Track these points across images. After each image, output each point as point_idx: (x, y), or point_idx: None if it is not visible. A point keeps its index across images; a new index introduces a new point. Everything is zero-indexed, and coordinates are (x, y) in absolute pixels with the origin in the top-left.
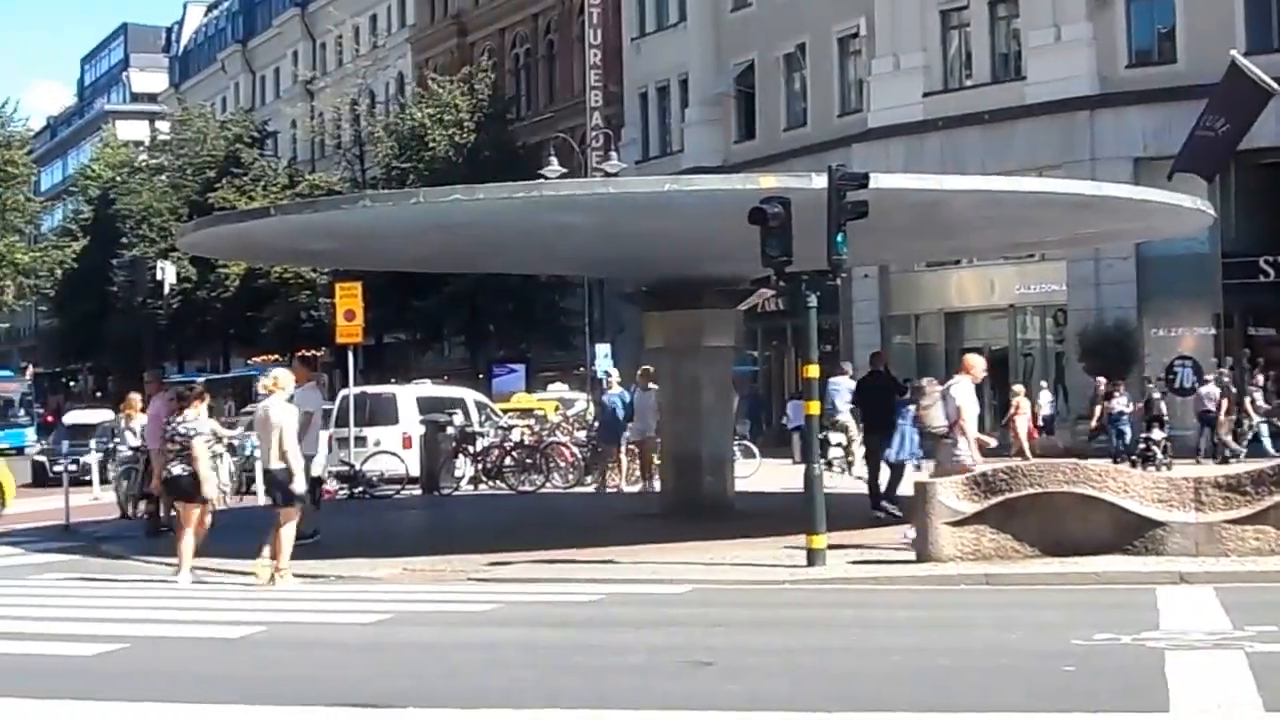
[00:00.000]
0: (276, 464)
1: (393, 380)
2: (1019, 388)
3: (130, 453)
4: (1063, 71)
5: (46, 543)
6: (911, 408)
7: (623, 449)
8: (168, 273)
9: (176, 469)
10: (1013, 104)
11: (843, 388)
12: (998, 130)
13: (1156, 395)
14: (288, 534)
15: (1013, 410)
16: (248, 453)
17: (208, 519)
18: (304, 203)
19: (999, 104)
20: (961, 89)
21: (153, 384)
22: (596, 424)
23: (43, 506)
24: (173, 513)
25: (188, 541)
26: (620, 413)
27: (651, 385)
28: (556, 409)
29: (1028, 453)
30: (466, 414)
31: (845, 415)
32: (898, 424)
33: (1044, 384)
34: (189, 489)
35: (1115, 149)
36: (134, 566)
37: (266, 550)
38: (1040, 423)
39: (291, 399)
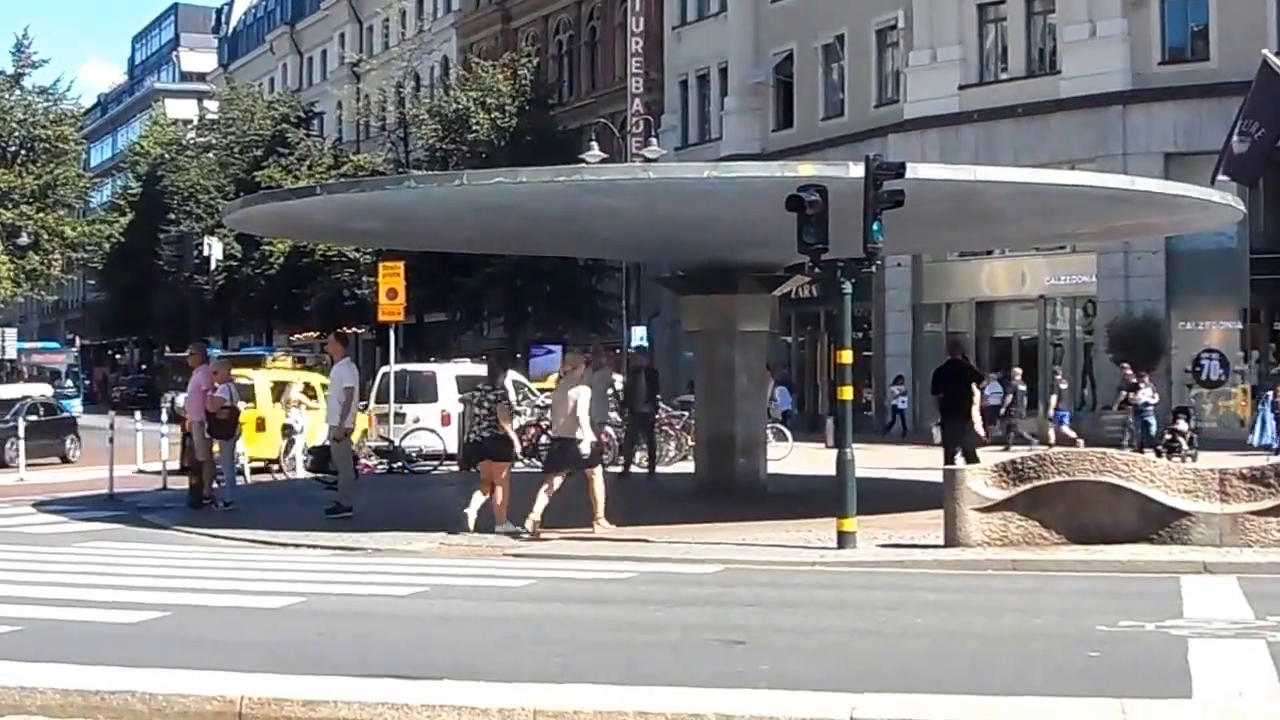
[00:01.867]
0: (570, 433)
1: (432, 359)
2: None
3: None
4: (1097, 67)
5: (90, 511)
6: (1270, 393)
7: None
8: (214, 249)
9: (489, 433)
10: (1047, 98)
11: None
12: (1032, 123)
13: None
14: (599, 487)
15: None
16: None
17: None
18: (349, 182)
19: (1033, 97)
20: (997, 82)
21: (195, 357)
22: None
23: (87, 476)
24: (219, 484)
25: (500, 497)
26: None
27: (605, 364)
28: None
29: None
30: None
31: None
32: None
33: (992, 376)
34: (497, 450)
35: (1147, 144)
36: (176, 536)
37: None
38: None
39: (583, 378)
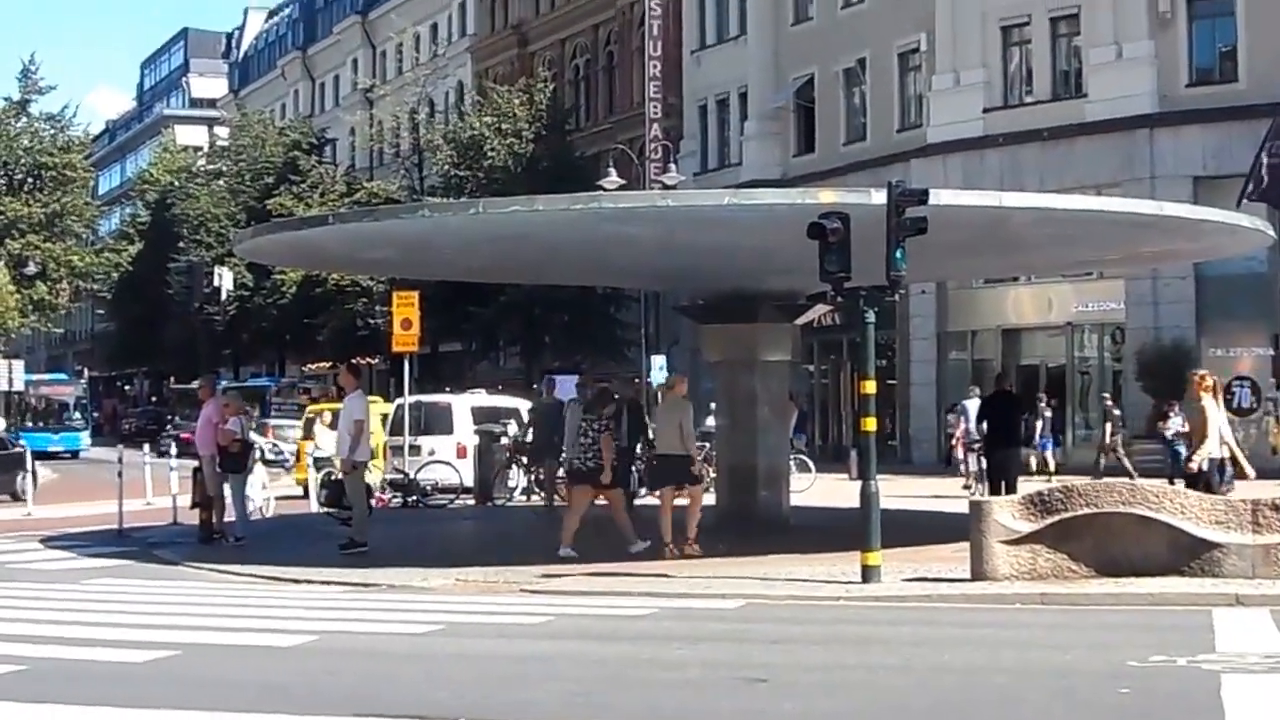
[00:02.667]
0: (676, 450)
1: (448, 389)
2: (960, 403)
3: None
4: (1123, 89)
5: (99, 547)
6: None
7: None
8: (225, 279)
9: (589, 461)
10: (1073, 121)
11: (972, 410)
12: (1057, 147)
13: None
14: (698, 507)
15: (954, 426)
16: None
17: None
18: (362, 211)
19: (1059, 121)
20: (1021, 105)
21: (204, 389)
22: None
23: (96, 510)
24: (230, 519)
25: (571, 519)
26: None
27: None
28: None
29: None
30: (521, 424)
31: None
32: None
33: (976, 390)
34: (593, 478)
35: (1175, 168)
36: (186, 572)
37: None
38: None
39: (686, 398)
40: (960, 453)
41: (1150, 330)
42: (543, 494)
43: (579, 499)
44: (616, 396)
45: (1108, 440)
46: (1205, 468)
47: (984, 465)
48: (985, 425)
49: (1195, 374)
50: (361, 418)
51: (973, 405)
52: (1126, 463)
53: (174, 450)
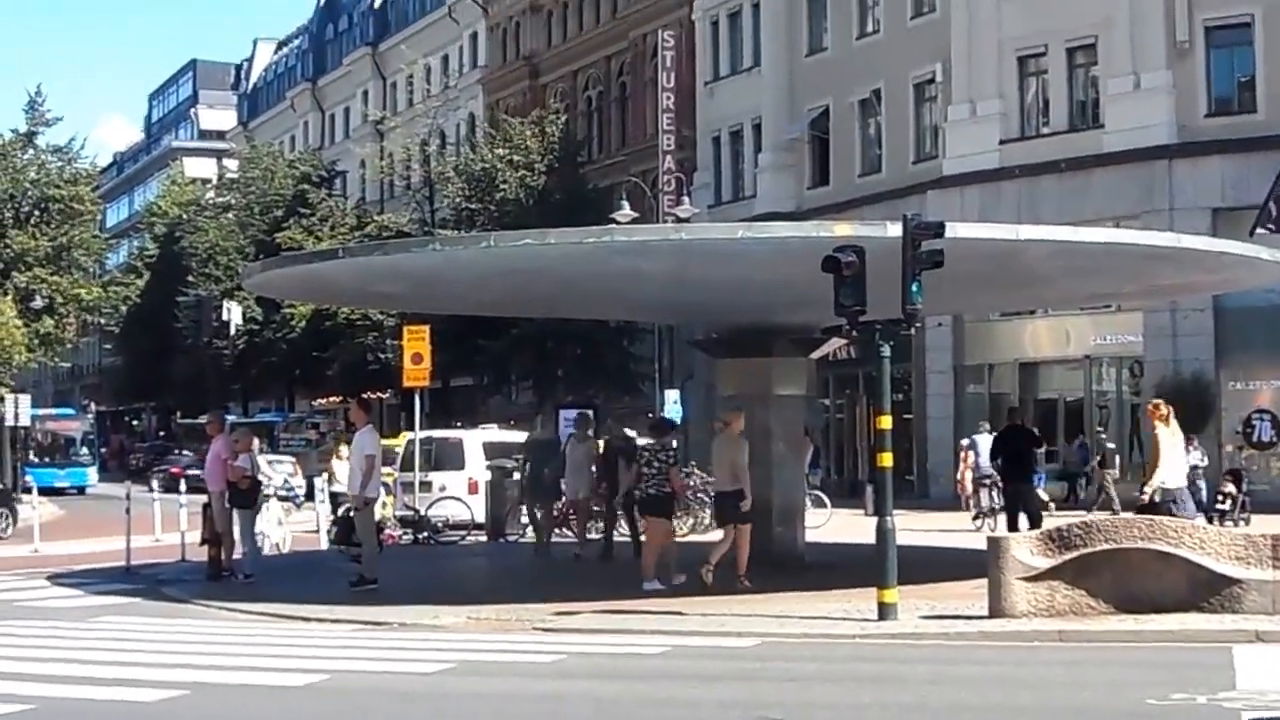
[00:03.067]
0: (730, 486)
1: (459, 424)
2: (966, 439)
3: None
4: (1141, 120)
5: (107, 584)
6: None
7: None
8: (233, 313)
9: (654, 490)
10: (1090, 152)
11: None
12: (1075, 179)
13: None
14: (745, 544)
15: (962, 460)
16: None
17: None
18: (372, 245)
19: (1076, 152)
20: (1038, 136)
21: (213, 425)
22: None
23: (104, 547)
24: (240, 556)
25: (649, 552)
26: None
27: (590, 434)
28: None
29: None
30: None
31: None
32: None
33: (986, 425)
34: (661, 508)
35: (1194, 199)
36: (195, 610)
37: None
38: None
39: (742, 435)
40: (968, 487)
41: (1169, 363)
42: (508, 534)
43: (655, 529)
44: (609, 437)
45: (1093, 471)
46: (1158, 499)
47: (997, 500)
48: (1000, 460)
49: (1149, 403)
50: (373, 453)
51: (983, 440)
52: (1111, 492)
53: (156, 485)
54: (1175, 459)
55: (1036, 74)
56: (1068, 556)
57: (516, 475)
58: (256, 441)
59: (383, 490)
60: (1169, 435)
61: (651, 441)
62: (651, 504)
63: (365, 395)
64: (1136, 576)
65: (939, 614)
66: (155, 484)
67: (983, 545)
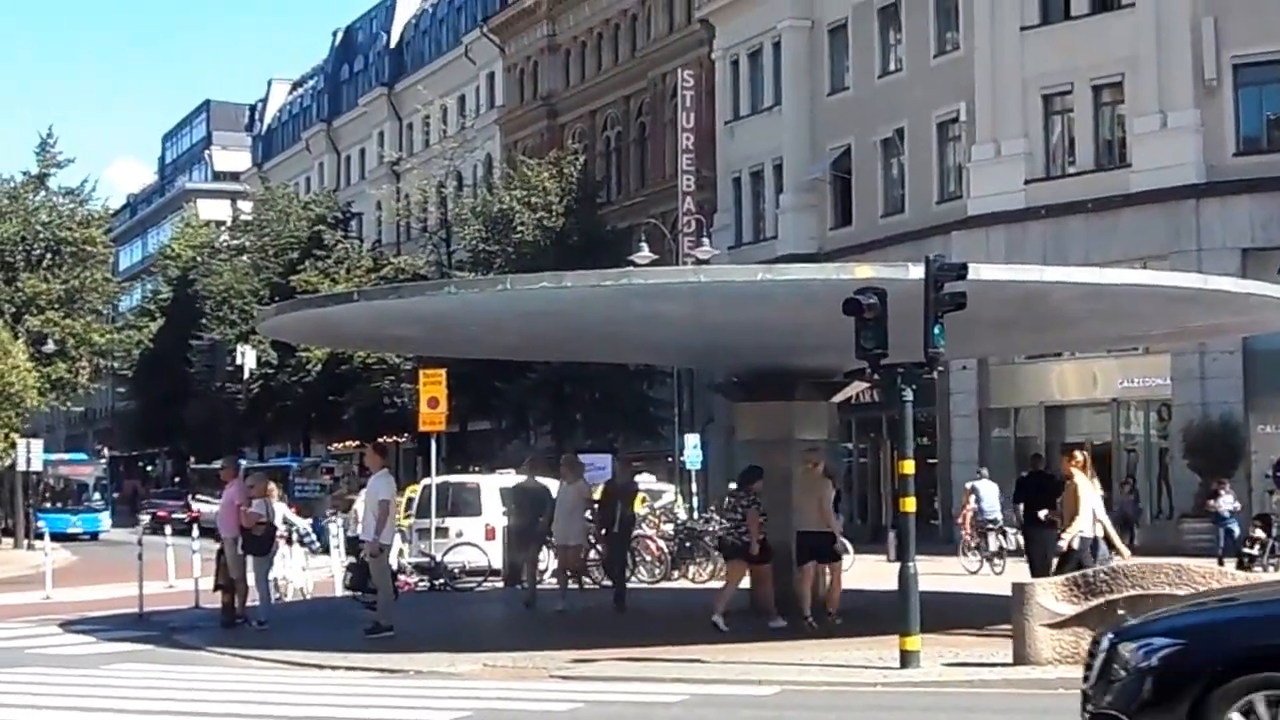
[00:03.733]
0: (817, 527)
1: (475, 469)
2: (969, 484)
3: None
4: (1169, 159)
5: (119, 631)
6: None
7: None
8: (247, 357)
9: (735, 534)
10: (1117, 192)
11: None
12: (1101, 219)
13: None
14: (839, 583)
15: (963, 504)
16: None
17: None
18: (388, 288)
19: (1103, 192)
20: (1064, 176)
21: (227, 470)
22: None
23: (117, 594)
24: (254, 603)
25: (728, 592)
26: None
27: (580, 479)
28: (644, 501)
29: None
30: (552, 505)
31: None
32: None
33: (984, 471)
34: (739, 552)
35: (1223, 239)
36: (208, 657)
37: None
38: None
39: (825, 476)
40: (968, 533)
41: (1197, 406)
42: (523, 583)
43: (734, 573)
44: (611, 485)
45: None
46: (1076, 546)
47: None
48: (1022, 505)
49: (1065, 453)
50: (387, 498)
51: (984, 485)
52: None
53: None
54: (1092, 507)
55: (1062, 112)
56: (1093, 602)
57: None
58: (274, 487)
59: (398, 536)
60: (1086, 483)
61: (736, 487)
62: (730, 548)
63: (381, 440)
64: None
65: (962, 661)
66: (141, 525)
67: (1007, 591)
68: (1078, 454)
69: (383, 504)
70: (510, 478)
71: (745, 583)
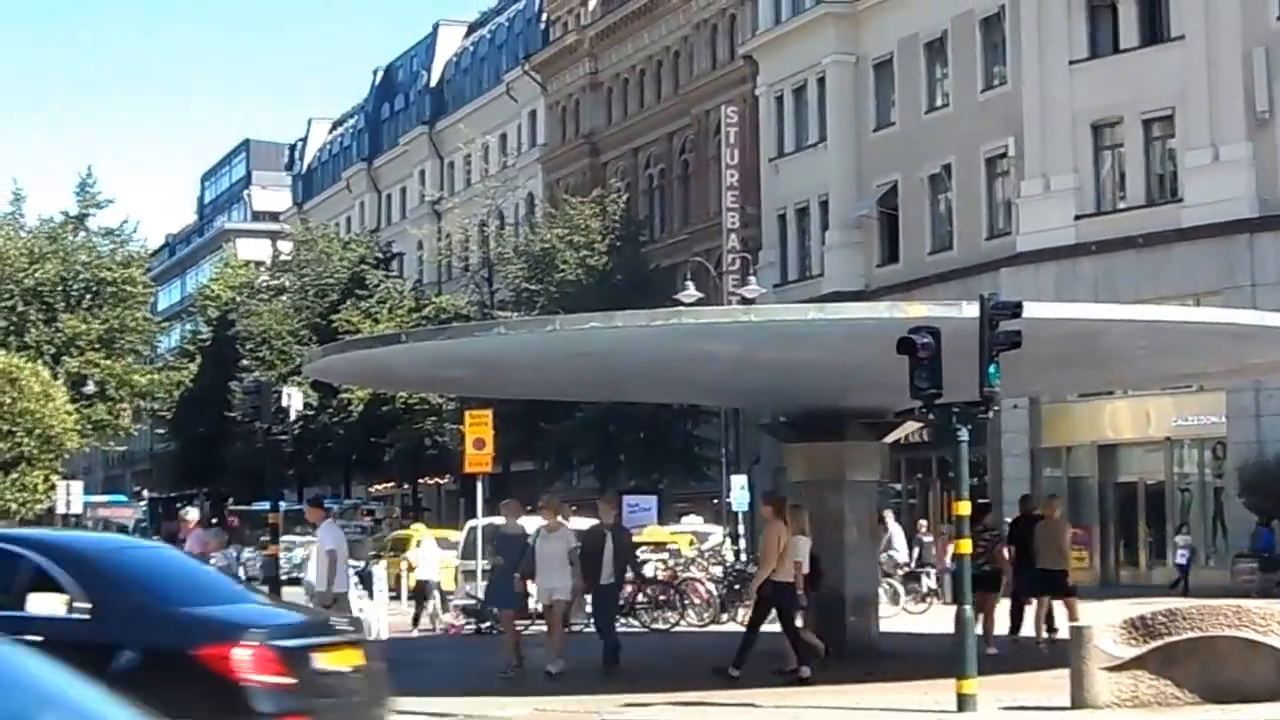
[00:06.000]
0: (1059, 565)
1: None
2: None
3: None
4: (1221, 193)
5: None
6: None
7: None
8: (294, 398)
9: (983, 566)
10: (1169, 227)
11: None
12: (1153, 254)
13: None
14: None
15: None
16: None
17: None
18: (435, 329)
19: (1154, 227)
20: (1115, 211)
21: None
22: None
23: None
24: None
25: (988, 623)
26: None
27: (563, 523)
28: (691, 543)
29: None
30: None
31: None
32: None
33: (890, 513)
34: (989, 584)
35: (1277, 274)
36: None
37: None
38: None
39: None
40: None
41: (1253, 445)
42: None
43: (985, 604)
44: (596, 527)
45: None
46: (768, 592)
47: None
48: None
49: (764, 499)
50: (333, 547)
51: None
52: None
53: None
54: (792, 552)
55: (1112, 147)
56: (1152, 645)
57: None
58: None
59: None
60: (783, 530)
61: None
62: (980, 580)
63: (319, 497)
64: (1223, 665)
65: (1020, 705)
66: None
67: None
68: (775, 502)
69: (330, 554)
70: None
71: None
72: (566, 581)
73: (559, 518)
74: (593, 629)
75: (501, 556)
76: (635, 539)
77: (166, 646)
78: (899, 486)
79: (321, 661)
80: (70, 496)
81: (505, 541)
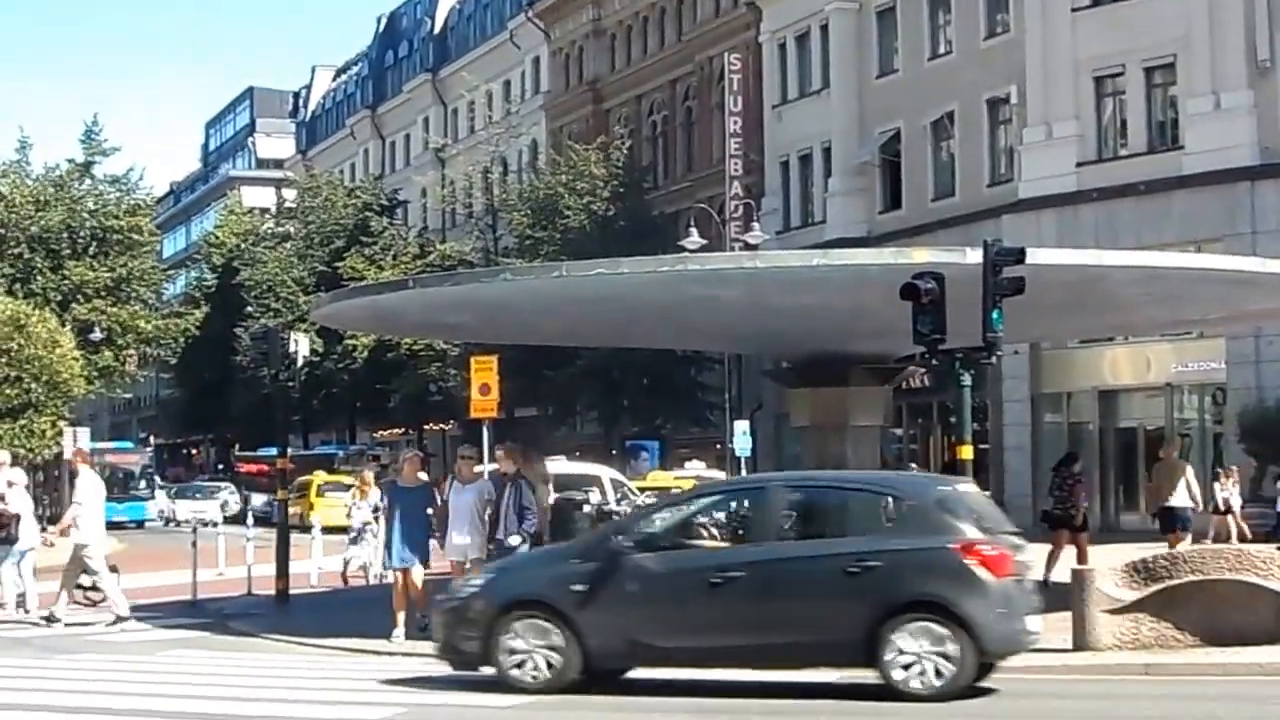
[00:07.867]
0: (1185, 504)
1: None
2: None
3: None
4: (1222, 140)
5: (172, 619)
6: None
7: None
8: (301, 344)
9: (1061, 507)
10: (1170, 174)
11: None
12: (1154, 202)
13: None
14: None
15: None
16: None
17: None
18: (442, 275)
19: (1155, 174)
20: (1116, 159)
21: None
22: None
23: (169, 581)
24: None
25: (1055, 559)
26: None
27: (479, 474)
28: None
29: None
30: (602, 492)
31: None
32: None
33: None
34: (1064, 523)
35: (1278, 222)
36: (264, 644)
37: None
38: None
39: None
40: None
41: (1252, 390)
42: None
43: (1058, 541)
44: (509, 473)
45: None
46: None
47: None
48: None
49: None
50: (81, 500)
51: None
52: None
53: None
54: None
55: (1114, 94)
56: (1153, 589)
57: (586, 508)
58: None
59: None
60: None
61: (1059, 466)
62: (1056, 519)
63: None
64: (1224, 609)
65: None
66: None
67: (1066, 578)
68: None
69: (75, 505)
70: (560, 464)
71: None
72: (479, 538)
73: (474, 467)
74: None
75: (398, 509)
76: (639, 485)
77: None
78: (900, 431)
79: None
80: (77, 443)
81: (404, 494)
